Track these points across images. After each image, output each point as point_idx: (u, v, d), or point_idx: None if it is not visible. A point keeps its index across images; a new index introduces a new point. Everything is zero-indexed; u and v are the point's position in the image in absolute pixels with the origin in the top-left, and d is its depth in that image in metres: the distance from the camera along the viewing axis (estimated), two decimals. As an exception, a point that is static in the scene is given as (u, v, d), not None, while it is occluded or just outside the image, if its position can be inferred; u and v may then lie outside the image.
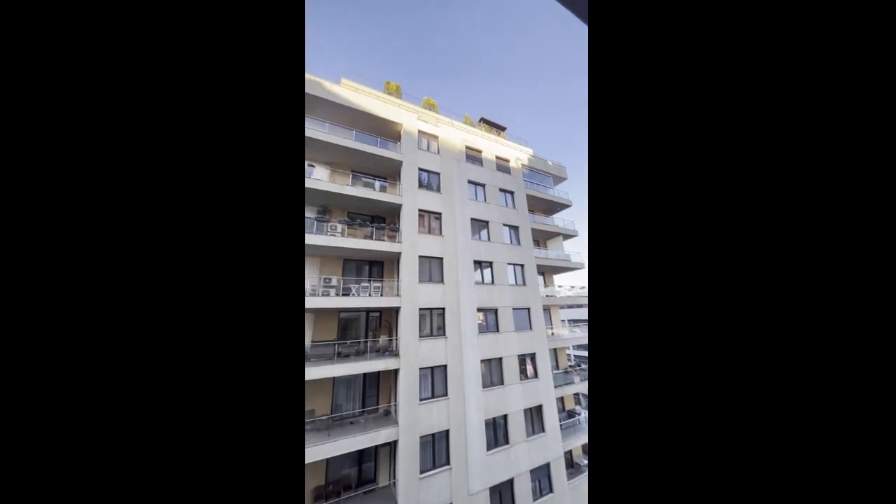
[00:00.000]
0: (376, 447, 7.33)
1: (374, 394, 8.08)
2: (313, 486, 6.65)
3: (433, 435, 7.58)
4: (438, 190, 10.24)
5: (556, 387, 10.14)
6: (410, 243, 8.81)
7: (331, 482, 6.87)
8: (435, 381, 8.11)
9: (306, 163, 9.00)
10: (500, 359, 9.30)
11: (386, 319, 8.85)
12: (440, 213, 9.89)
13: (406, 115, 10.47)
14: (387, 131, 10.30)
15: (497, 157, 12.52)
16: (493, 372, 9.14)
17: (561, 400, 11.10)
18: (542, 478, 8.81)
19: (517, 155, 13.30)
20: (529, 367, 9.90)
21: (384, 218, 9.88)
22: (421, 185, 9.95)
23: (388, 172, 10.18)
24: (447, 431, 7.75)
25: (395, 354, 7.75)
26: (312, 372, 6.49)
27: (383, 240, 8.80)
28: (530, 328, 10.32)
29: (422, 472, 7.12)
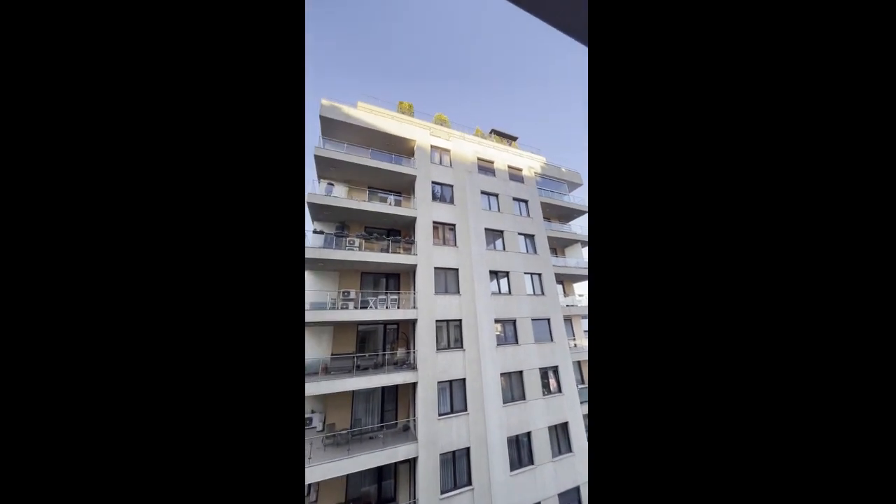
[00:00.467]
0: (396, 464, 7.18)
1: (393, 408, 8.01)
2: None
3: (453, 452, 7.34)
4: (452, 202, 10.38)
5: (582, 403, 9.57)
6: (426, 255, 8.91)
7: (351, 499, 6.78)
8: (454, 395, 7.93)
9: (325, 182, 9.50)
10: (521, 372, 8.96)
11: (403, 332, 8.87)
12: (454, 225, 9.98)
13: (419, 132, 10.85)
14: (401, 148, 10.71)
15: (509, 167, 12.56)
16: (513, 386, 8.80)
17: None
18: (571, 503, 8.19)
19: (529, 164, 13.28)
20: (553, 381, 9.44)
21: (399, 231, 10.11)
22: (434, 197, 10.14)
23: (403, 187, 10.50)
24: (468, 449, 7.47)
25: (413, 367, 7.69)
26: (332, 385, 6.57)
27: (399, 252, 8.97)
28: (551, 339, 9.93)
29: (442, 492, 6.86)
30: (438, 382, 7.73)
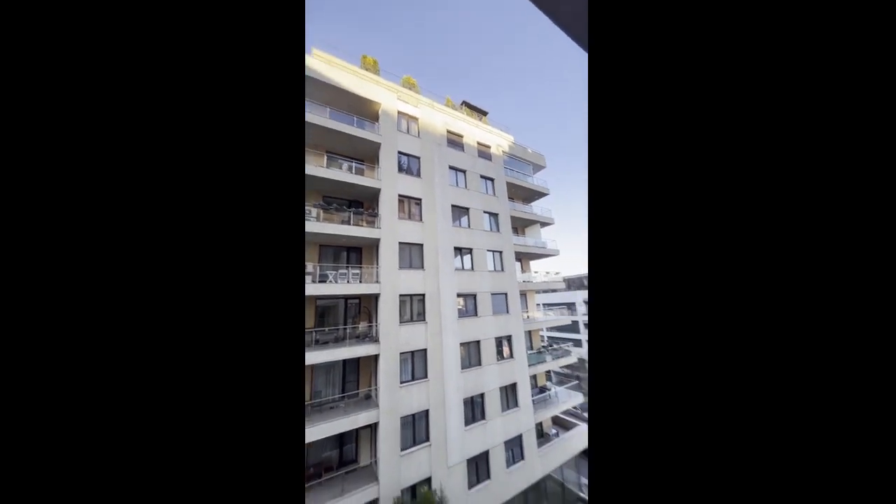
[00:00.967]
0: (357, 430, 7.48)
1: (355, 379, 8.13)
2: (294, 470, 6.70)
3: (413, 415, 7.86)
4: (419, 175, 10.03)
5: (529, 366, 10.82)
6: (390, 229, 8.66)
7: (311, 465, 6.97)
8: (415, 364, 8.31)
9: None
10: (479, 342, 9.68)
11: (365, 306, 8.78)
12: (420, 199, 9.75)
13: (385, 94, 9.94)
14: (364, 111, 9.76)
15: (478, 143, 12.41)
16: (471, 354, 9.52)
17: (534, 377, 11.88)
18: (514, 447, 9.55)
19: (498, 141, 13.26)
20: (506, 349, 10.42)
21: (362, 203, 9.56)
22: (401, 169, 9.68)
23: (367, 155, 9.75)
24: (427, 411, 8.06)
25: (375, 340, 7.78)
26: (289, 360, 6.34)
27: (362, 225, 8.56)
28: (507, 312, 10.76)
29: (402, 449, 7.42)
30: (400, 353, 7.99)
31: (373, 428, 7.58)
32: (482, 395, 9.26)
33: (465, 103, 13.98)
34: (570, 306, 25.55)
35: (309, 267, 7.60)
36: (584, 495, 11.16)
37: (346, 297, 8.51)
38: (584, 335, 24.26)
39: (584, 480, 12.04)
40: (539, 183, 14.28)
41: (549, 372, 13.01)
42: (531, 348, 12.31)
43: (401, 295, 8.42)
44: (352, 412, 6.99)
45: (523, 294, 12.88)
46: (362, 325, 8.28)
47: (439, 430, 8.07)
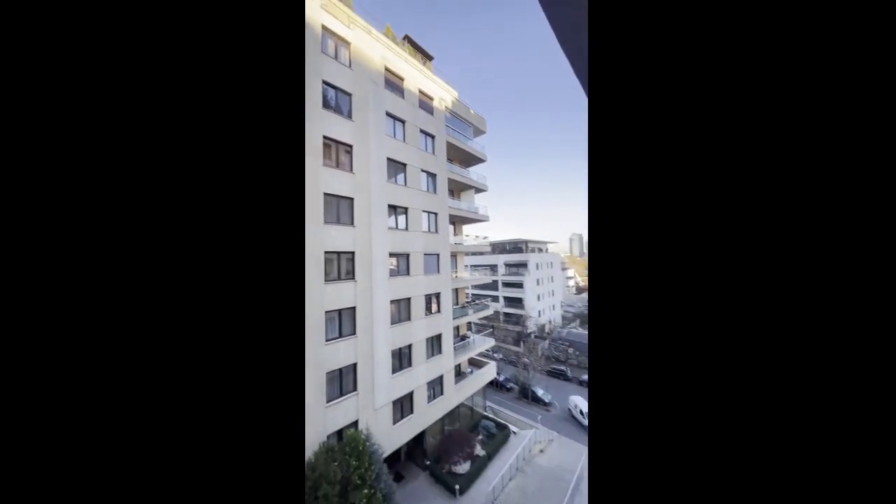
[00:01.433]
0: (277, 389, 7.16)
1: (272, 340, 7.51)
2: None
3: (340, 369, 7.97)
4: (350, 117, 8.69)
5: (454, 319, 12.08)
6: (313, 177, 7.52)
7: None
8: (343, 322, 8.17)
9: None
10: (409, 299, 10.09)
11: (283, 263, 7.79)
12: (352, 147, 8.62)
13: (304, -3, 7.68)
14: (274, 12, 7.40)
15: (420, 92, 11.35)
16: (401, 311, 9.91)
17: (457, 328, 13.41)
18: (436, 386, 11.01)
19: (442, 95, 12.42)
20: (434, 305, 11.23)
21: (275, 140, 7.81)
22: (327, 105, 8.14)
23: (279, 77, 7.70)
24: (355, 364, 8.29)
25: (297, 299, 7.17)
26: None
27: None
28: (438, 272, 11.37)
29: (329, 400, 7.59)
30: (326, 312, 7.67)
31: (295, 385, 7.38)
32: (409, 346, 10.01)
33: (409, 39, 12.23)
34: (493, 268, 28.89)
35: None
36: (489, 414, 14.07)
37: (257, 253, 7.32)
38: (501, 292, 28.20)
39: (489, 403, 15.12)
40: (479, 147, 14.43)
41: (470, 323, 14.86)
42: (457, 304, 13.62)
43: (327, 252, 7.77)
44: (269, 373, 6.57)
45: (454, 255, 13.69)
46: (279, 284, 7.42)
47: (367, 380, 8.51)
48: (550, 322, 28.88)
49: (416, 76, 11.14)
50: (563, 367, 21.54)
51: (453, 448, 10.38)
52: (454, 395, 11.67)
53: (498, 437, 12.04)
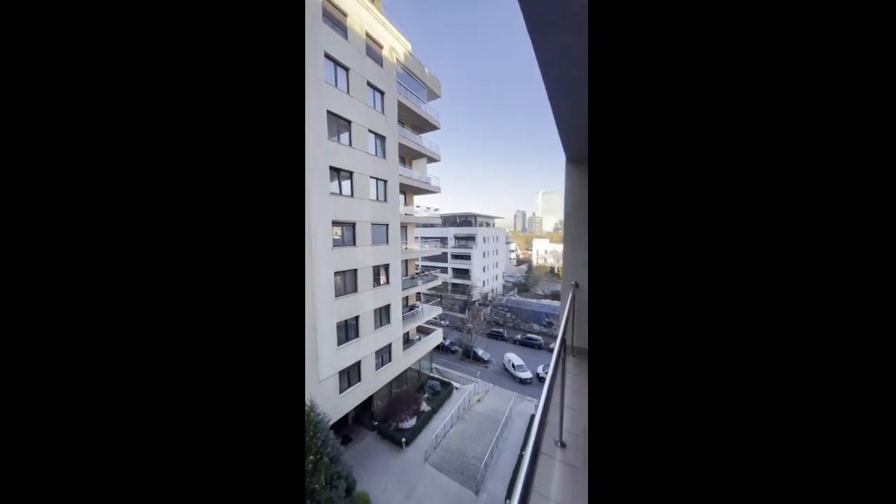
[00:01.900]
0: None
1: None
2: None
3: (278, 345, 7.43)
4: (277, 51, 7.09)
5: (403, 289, 12.16)
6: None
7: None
8: (278, 295, 7.44)
9: None
10: (356, 270, 9.67)
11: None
12: (281, 91, 7.17)
13: None
14: None
15: (368, 36, 9.86)
16: (347, 282, 9.48)
17: (406, 299, 13.61)
18: (384, 354, 11.27)
19: (393, 44, 11.03)
20: (383, 277, 11.04)
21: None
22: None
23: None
24: (295, 339, 7.80)
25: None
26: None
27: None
28: (387, 242, 11.03)
29: (265, 377, 7.10)
30: (257, 285, 6.84)
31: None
32: (357, 318, 9.82)
33: (353, -36, 10.18)
34: (444, 240, 29.42)
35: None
36: (434, 375, 15.23)
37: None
38: (450, 264, 29.25)
39: (435, 365, 16.32)
40: (433, 113, 13.65)
41: (419, 293, 15.21)
42: (406, 275, 13.66)
43: (254, 217, 6.69)
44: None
45: (404, 226, 13.37)
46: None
47: (310, 353, 8.16)
48: (493, 291, 31.56)
49: (362, 14, 9.54)
50: (501, 330, 24.21)
51: (400, 408, 11.09)
52: (402, 361, 12.18)
53: (442, 393, 13.26)
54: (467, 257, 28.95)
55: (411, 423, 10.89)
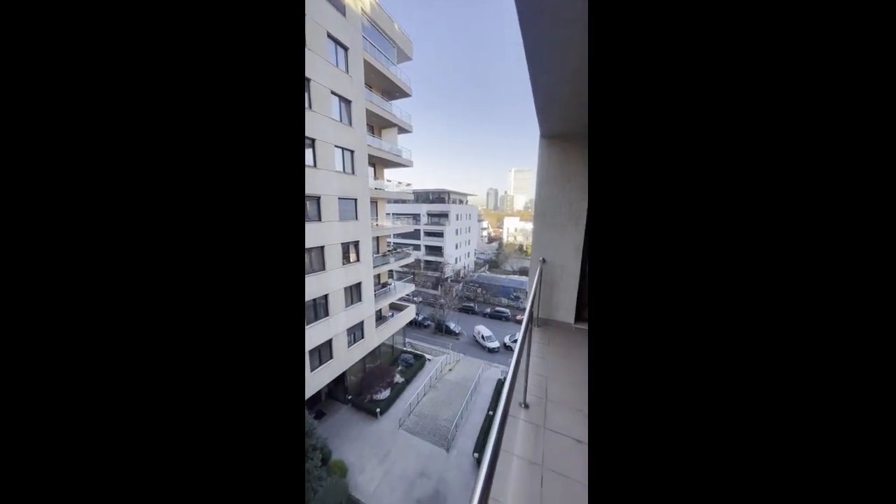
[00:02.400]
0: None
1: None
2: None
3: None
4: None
5: (374, 267, 11.90)
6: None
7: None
8: (235, 275, 6.84)
9: None
10: (322, 247, 9.16)
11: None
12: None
13: None
14: None
15: (326, -24, 8.48)
16: (314, 261, 8.99)
17: (378, 276, 13.41)
18: (356, 331, 11.21)
19: (357, -10, 9.66)
20: (353, 254, 10.64)
21: None
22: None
23: None
24: (258, 320, 7.37)
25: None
26: None
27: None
28: (356, 218, 10.50)
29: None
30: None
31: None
32: (326, 297, 9.50)
33: None
34: (416, 217, 28.85)
35: None
36: (407, 349, 15.65)
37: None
38: (423, 241, 29.07)
39: (409, 340, 16.76)
40: (404, 78, 12.58)
41: (391, 271, 15.05)
42: (378, 252, 13.32)
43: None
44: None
45: (374, 202, 12.76)
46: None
47: (275, 334, 7.81)
48: (465, 268, 32.36)
49: (318, -53, 8.10)
50: (472, 304, 25.30)
51: (374, 382, 11.37)
52: (375, 337, 12.26)
53: (415, 365, 13.79)
54: (440, 234, 28.92)
55: (385, 394, 11.28)
